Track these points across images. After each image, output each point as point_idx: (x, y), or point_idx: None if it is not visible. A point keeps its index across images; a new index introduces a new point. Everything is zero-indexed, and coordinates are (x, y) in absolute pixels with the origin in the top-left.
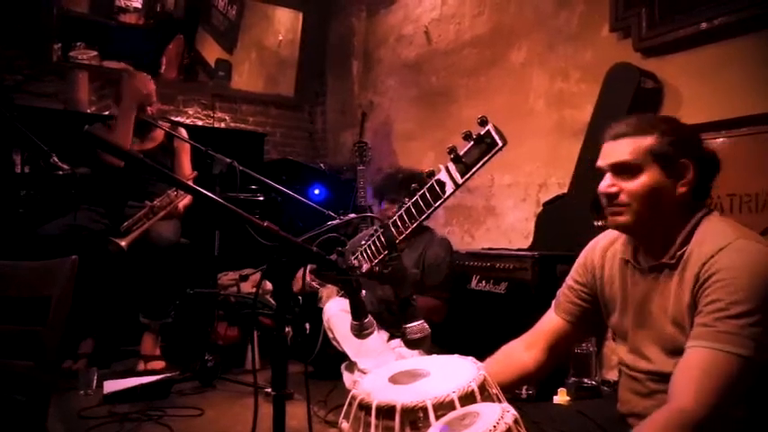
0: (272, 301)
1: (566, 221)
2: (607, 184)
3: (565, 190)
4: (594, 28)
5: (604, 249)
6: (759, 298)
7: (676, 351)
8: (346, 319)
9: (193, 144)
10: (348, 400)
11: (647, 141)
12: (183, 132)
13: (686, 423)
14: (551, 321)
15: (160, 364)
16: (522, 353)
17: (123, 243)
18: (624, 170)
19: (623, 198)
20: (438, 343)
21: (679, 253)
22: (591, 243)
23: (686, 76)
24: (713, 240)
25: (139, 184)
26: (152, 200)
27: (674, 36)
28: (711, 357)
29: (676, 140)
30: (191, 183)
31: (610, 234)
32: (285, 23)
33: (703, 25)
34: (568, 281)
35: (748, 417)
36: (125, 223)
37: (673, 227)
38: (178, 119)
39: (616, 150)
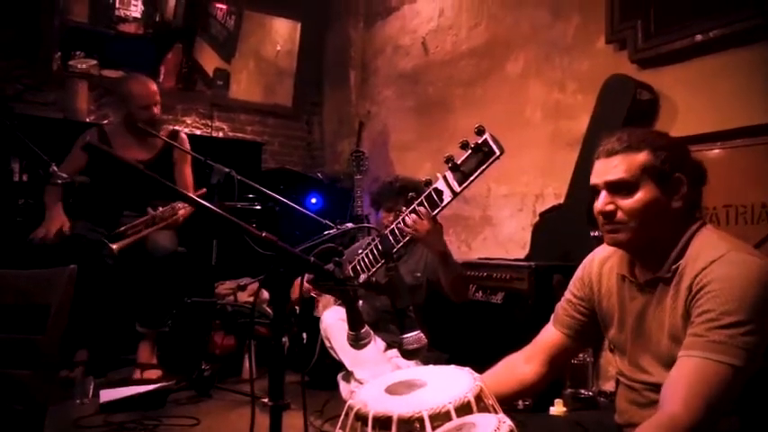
0: (269, 311)
1: (562, 232)
2: (604, 202)
3: (561, 200)
4: (590, 39)
5: (602, 263)
6: (750, 308)
7: (674, 364)
8: (343, 328)
9: (192, 154)
10: (345, 410)
11: (641, 158)
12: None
13: (676, 429)
14: (550, 335)
15: (156, 373)
16: (522, 365)
17: (115, 246)
18: (620, 188)
19: (621, 216)
20: (440, 348)
21: (674, 267)
22: (589, 257)
23: (681, 88)
24: (706, 253)
25: (138, 194)
26: (155, 208)
27: (669, 48)
28: (702, 366)
29: (669, 156)
30: (195, 196)
31: (607, 247)
32: (283, 34)
33: (698, 37)
34: (567, 295)
35: (742, 428)
36: (122, 227)
37: (668, 241)
38: (177, 128)
39: (610, 168)
